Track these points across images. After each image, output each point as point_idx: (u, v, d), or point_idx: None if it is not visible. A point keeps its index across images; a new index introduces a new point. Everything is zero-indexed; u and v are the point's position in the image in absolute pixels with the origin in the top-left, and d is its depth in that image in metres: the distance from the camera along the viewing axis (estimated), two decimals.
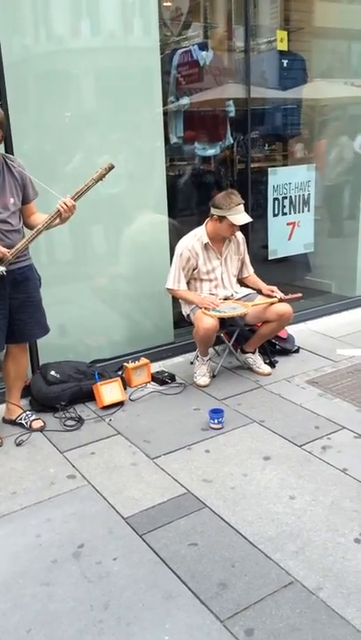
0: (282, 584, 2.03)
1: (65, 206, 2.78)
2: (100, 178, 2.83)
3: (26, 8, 3.30)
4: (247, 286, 3.85)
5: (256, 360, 3.84)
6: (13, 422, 3.21)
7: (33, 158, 3.34)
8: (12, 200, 2.80)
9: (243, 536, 2.28)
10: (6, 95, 3.18)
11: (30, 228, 2.92)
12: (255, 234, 4.46)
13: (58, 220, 2.85)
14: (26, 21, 3.33)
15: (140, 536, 2.30)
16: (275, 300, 3.61)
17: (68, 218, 2.85)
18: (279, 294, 3.63)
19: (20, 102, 3.26)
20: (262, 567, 2.12)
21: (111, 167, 2.82)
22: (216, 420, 3.08)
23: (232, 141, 4.59)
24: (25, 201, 2.90)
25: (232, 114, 4.50)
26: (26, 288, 2.95)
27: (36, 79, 3.44)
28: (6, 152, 3.21)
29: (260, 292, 3.74)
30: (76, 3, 3.47)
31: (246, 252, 3.85)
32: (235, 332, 3.83)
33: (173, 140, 4.37)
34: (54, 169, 3.49)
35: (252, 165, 4.52)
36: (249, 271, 3.87)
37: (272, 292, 3.67)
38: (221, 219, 3.52)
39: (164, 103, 3.95)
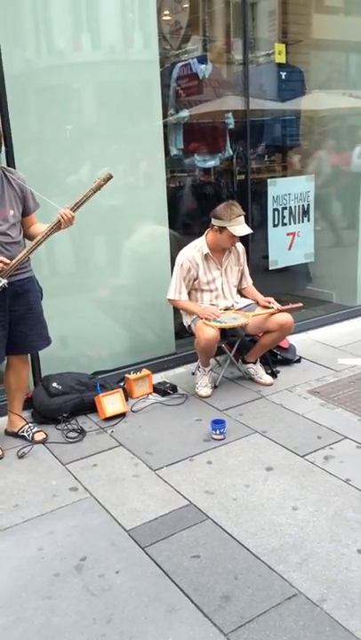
0: (285, 596, 2.02)
1: (65, 217, 2.80)
2: (98, 188, 2.85)
3: (27, 22, 3.34)
4: (246, 297, 3.86)
5: (258, 370, 3.84)
6: (15, 434, 3.21)
7: (35, 171, 3.38)
8: (11, 212, 2.82)
9: (246, 548, 2.27)
10: (7, 108, 3.21)
11: (30, 238, 2.94)
12: (255, 244, 4.48)
13: (57, 230, 2.87)
14: (27, 35, 3.36)
15: (143, 548, 2.30)
16: (275, 310, 3.62)
17: (68, 227, 2.87)
18: (276, 305, 3.64)
19: (22, 115, 3.29)
20: (266, 579, 2.11)
21: (109, 177, 2.84)
22: (218, 431, 3.08)
23: (232, 153, 4.62)
24: (25, 213, 2.92)
25: (231, 126, 4.54)
26: (26, 300, 2.96)
27: (38, 92, 3.47)
28: (8, 165, 3.25)
29: (257, 303, 3.75)
30: (77, 17, 3.51)
31: (246, 263, 3.86)
32: (236, 343, 3.83)
33: (173, 151, 4.40)
34: (56, 181, 3.52)
35: (252, 176, 4.54)
36: (248, 282, 3.88)
37: (269, 303, 3.68)
38: (222, 229, 3.54)
39: (164, 115, 3.98)
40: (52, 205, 2.84)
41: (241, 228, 3.53)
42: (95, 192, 2.85)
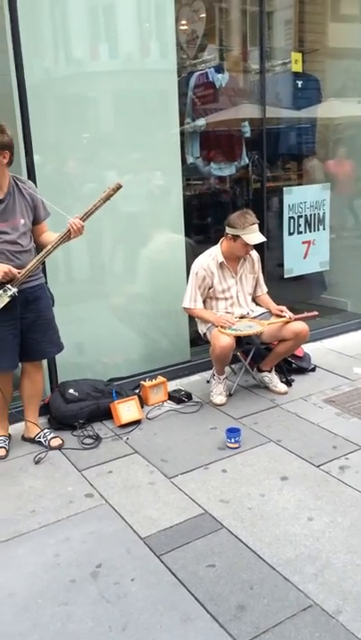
0: (301, 607, 2.02)
1: (74, 227, 2.83)
2: (108, 198, 2.88)
3: (46, 32, 3.39)
4: (260, 306, 3.86)
5: (272, 379, 3.84)
6: (32, 440, 3.24)
7: (54, 178, 3.43)
8: (22, 221, 2.86)
9: (261, 558, 2.27)
10: (29, 117, 3.25)
11: (41, 246, 2.97)
12: (271, 252, 4.49)
13: (68, 240, 2.91)
14: (46, 44, 3.41)
15: (158, 556, 2.31)
16: (290, 318, 3.62)
17: (77, 237, 2.90)
18: (288, 314, 3.64)
19: (42, 124, 3.34)
20: (281, 590, 2.11)
21: (119, 187, 2.87)
22: (233, 440, 3.08)
23: (247, 161, 4.63)
24: (36, 221, 2.96)
25: (248, 134, 4.55)
26: (37, 307, 2.99)
27: (57, 101, 3.51)
28: (28, 173, 3.30)
29: (270, 311, 3.75)
30: (96, 27, 3.56)
31: (261, 271, 3.87)
32: (251, 351, 3.84)
33: (190, 160, 4.42)
34: (74, 188, 3.56)
35: (268, 185, 4.56)
36: (262, 290, 3.88)
37: (281, 312, 3.68)
38: (235, 238, 3.55)
39: (181, 124, 4.01)
40: (61, 213, 2.88)
41: (255, 237, 3.54)
42: (105, 202, 2.88)
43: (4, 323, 2.87)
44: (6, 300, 2.78)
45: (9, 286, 2.78)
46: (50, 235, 3.00)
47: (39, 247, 2.99)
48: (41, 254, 2.88)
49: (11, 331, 2.92)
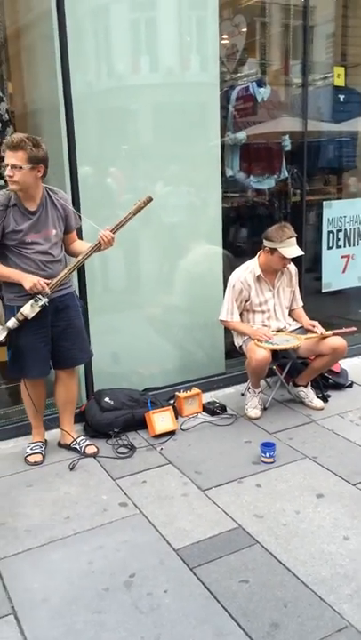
0: (336, 628, 1.99)
1: (105, 238, 2.88)
2: (139, 210, 2.92)
3: (90, 45, 3.46)
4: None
5: (308, 394, 3.80)
6: (68, 447, 3.28)
7: (96, 189, 3.49)
8: (53, 231, 2.92)
9: (295, 576, 2.25)
10: (74, 130, 3.33)
11: (71, 255, 3.04)
12: (309, 266, 4.46)
13: (98, 251, 2.96)
14: (91, 58, 3.47)
15: (191, 569, 2.30)
16: (329, 333, 3.59)
17: (108, 248, 2.95)
18: (320, 330, 3.60)
19: (85, 136, 3.40)
20: (316, 609, 2.08)
21: (149, 200, 2.91)
22: (268, 454, 3.06)
23: (287, 174, 4.63)
24: (67, 230, 3.02)
25: (288, 147, 4.55)
26: (67, 315, 3.04)
27: (100, 114, 3.58)
28: (72, 183, 3.36)
29: (303, 326, 3.73)
30: (138, 41, 3.61)
31: (297, 284, 3.84)
32: (287, 365, 3.81)
33: (229, 172, 4.44)
34: (115, 199, 3.62)
35: (307, 198, 4.54)
36: (297, 304, 3.85)
37: (313, 327, 3.65)
38: (273, 251, 3.55)
39: (221, 137, 4.04)
40: (96, 226, 2.93)
41: (292, 250, 3.52)
42: (135, 214, 2.92)
43: (35, 331, 2.93)
44: (37, 309, 2.84)
45: (40, 296, 2.83)
46: (80, 244, 3.07)
47: (70, 256, 3.05)
48: (71, 265, 2.93)
49: (41, 339, 2.97)
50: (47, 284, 2.85)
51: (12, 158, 2.73)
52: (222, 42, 4.76)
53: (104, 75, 3.61)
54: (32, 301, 2.83)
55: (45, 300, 2.84)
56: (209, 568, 2.30)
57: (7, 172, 2.75)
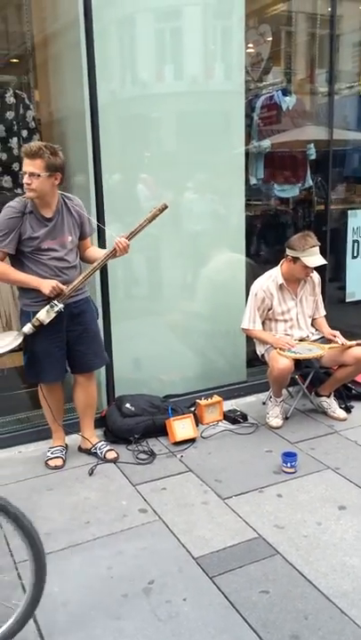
0: None
1: (120, 245, 2.88)
2: (154, 218, 2.92)
3: (117, 54, 3.49)
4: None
5: (331, 404, 3.75)
6: (88, 452, 3.29)
7: (120, 196, 3.51)
8: (69, 238, 2.95)
9: (316, 588, 2.21)
10: (99, 137, 3.36)
11: (86, 261, 3.06)
12: (333, 275, 4.42)
13: (113, 258, 2.97)
14: (117, 67, 3.50)
15: (211, 578, 2.28)
16: (353, 343, 3.55)
17: (123, 255, 2.95)
18: (341, 340, 3.56)
19: (110, 143, 3.43)
20: (337, 623, 2.04)
21: (164, 208, 2.92)
22: (289, 464, 3.03)
23: (311, 183, 4.61)
24: (82, 237, 3.04)
25: (313, 156, 4.53)
26: (82, 320, 3.05)
27: (125, 122, 3.61)
28: (96, 190, 3.39)
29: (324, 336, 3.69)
30: (164, 50, 3.65)
31: (320, 293, 3.81)
32: (310, 374, 3.77)
33: (253, 181, 4.44)
34: (139, 205, 3.64)
35: (332, 207, 4.51)
36: (320, 313, 3.81)
37: (334, 337, 3.61)
38: (295, 260, 3.52)
39: (246, 145, 4.04)
40: (111, 232, 2.96)
41: (314, 259, 3.50)
42: (150, 222, 2.92)
43: (50, 336, 2.95)
44: (53, 315, 2.85)
45: (55, 302, 2.85)
46: (95, 250, 3.09)
47: (85, 262, 3.07)
48: (88, 271, 2.94)
49: (56, 344, 2.99)
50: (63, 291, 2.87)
51: (29, 166, 2.75)
52: (247, 50, 4.78)
53: (130, 83, 3.64)
54: (48, 307, 2.85)
55: (61, 305, 2.85)
56: (229, 577, 2.28)
57: (25, 179, 2.78)
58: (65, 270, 2.93)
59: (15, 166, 3.53)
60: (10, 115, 3.46)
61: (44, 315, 2.85)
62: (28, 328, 2.87)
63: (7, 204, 2.85)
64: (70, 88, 3.56)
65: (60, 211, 2.93)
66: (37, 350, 2.96)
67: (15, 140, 3.49)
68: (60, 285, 2.85)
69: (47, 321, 2.86)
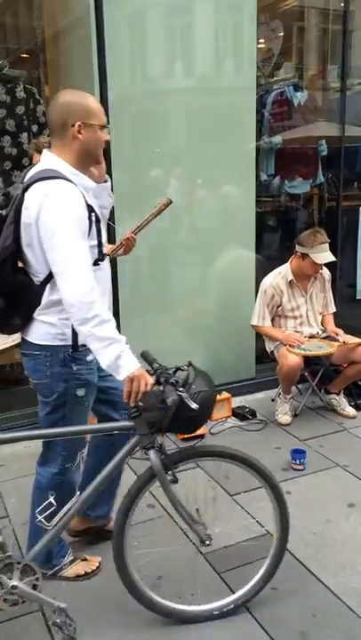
0: None
1: (129, 241, 2.84)
2: (159, 213, 2.89)
3: (126, 50, 3.48)
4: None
5: (341, 402, 3.73)
6: None
7: (130, 192, 3.50)
8: None
9: (325, 585, 2.20)
10: (110, 133, 3.34)
11: None
12: (344, 272, 4.39)
13: (121, 251, 2.92)
14: (126, 62, 3.49)
15: (219, 574, 2.27)
16: (347, 342, 3.52)
17: (131, 250, 2.92)
18: (343, 338, 3.54)
19: (121, 139, 3.42)
20: (346, 620, 2.03)
21: (169, 203, 2.88)
22: (298, 461, 3.01)
23: (323, 179, 4.58)
24: None
25: (324, 152, 4.50)
26: None
27: (136, 118, 3.60)
28: None
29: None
30: (174, 45, 3.63)
31: (331, 290, 3.79)
32: (319, 372, 3.75)
33: (264, 177, 4.42)
34: (150, 202, 3.61)
35: (343, 204, 4.48)
36: (328, 310, 3.79)
37: (336, 334, 3.59)
38: (304, 256, 3.50)
39: (256, 141, 4.02)
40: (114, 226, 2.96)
41: (323, 256, 3.47)
42: (155, 217, 2.89)
43: None
44: None
45: None
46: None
47: None
48: None
49: None
50: None
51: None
52: (259, 46, 4.75)
53: (140, 78, 3.63)
54: None
55: None
56: (237, 573, 2.27)
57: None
58: None
59: (25, 161, 3.52)
60: (20, 109, 3.46)
61: None
62: None
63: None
64: (80, 83, 3.55)
65: None
66: None
67: (25, 135, 3.49)
68: None
69: None
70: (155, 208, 2.91)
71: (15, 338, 2.81)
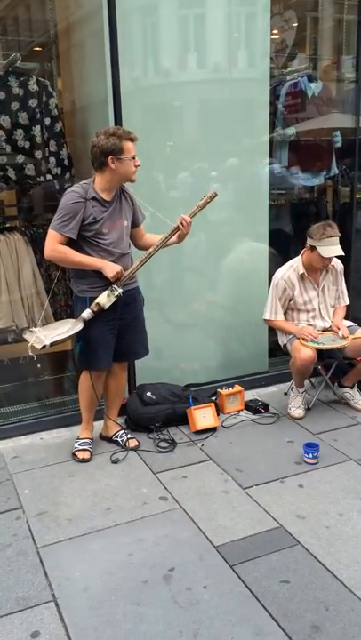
0: None
1: (185, 222, 2.89)
2: (205, 205, 2.94)
3: (138, 42, 3.45)
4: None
5: (354, 395, 3.71)
6: (109, 439, 3.30)
7: (143, 185, 3.48)
8: (125, 223, 2.93)
9: (338, 579, 2.19)
10: (122, 125, 3.33)
11: (144, 248, 3.03)
12: (358, 265, 4.35)
13: (175, 238, 2.95)
14: (138, 55, 3.46)
15: (231, 567, 2.28)
16: (346, 336, 3.49)
17: (185, 235, 2.95)
18: (342, 332, 3.52)
19: (133, 131, 3.41)
20: (358, 614, 2.02)
21: (214, 196, 2.93)
22: (311, 455, 3.00)
23: (337, 171, 4.53)
24: (135, 224, 3.02)
25: (338, 144, 4.46)
26: (134, 309, 3.05)
27: (148, 110, 3.58)
28: None
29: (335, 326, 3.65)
30: (186, 37, 3.60)
31: (343, 283, 3.75)
32: (332, 365, 3.73)
33: (277, 169, 4.38)
34: (162, 195, 3.62)
35: (358, 196, 4.43)
36: (340, 302, 3.74)
37: (338, 328, 3.57)
38: (313, 249, 3.47)
39: (270, 133, 3.99)
40: (163, 217, 2.95)
41: (330, 250, 3.41)
42: (201, 209, 2.94)
43: (106, 322, 2.93)
44: (113, 299, 2.85)
45: (115, 286, 2.84)
46: (151, 236, 3.06)
47: (143, 249, 3.05)
48: (149, 252, 2.93)
49: (111, 331, 2.98)
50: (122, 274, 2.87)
51: (134, 150, 2.83)
52: (272, 37, 4.70)
53: (153, 71, 3.61)
54: (108, 291, 2.84)
55: (121, 290, 2.85)
56: (249, 567, 2.27)
57: (137, 162, 2.82)
58: (121, 257, 2.92)
59: (38, 154, 3.53)
60: (33, 102, 3.45)
61: (105, 299, 2.84)
62: (87, 313, 2.85)
63: (70, 190, 2.85)
64: (93, 76, 3.55)
65: (119, 195, 2.92)
66: (94, 338, 2.94)
67: (38, 127, 3.49)
68: (120, 268, 2.84)
69: (107, 305, 2.85)
70: (200, 200, 2.95)
71: (65, 331, 2.83)
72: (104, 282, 2.86)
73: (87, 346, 2.97)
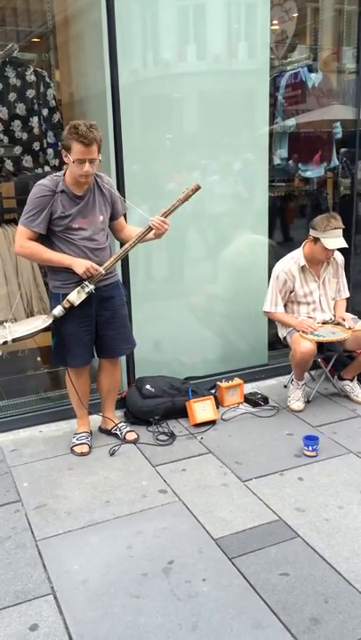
0: None
1: (155, 222, 2.83)
2: (187, 198, 2.87)
3: (137, 34, 3.42)
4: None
5: (354, 388, 3.70)
6: (109, 432, 3.30)
7: (141, 178, 3.47)
8: (100, 217, 2.87)
9: (337, 572, 2.19)
10: (120, 118, 3.32)
11: (124, 241, 2.98)
12: (359, 257, 4.34)
13: (152, 235, 2.90)
14: (137, 46, 3.43)
15: (230, 559, 2.27)
16: (352, 327, 3.48)
17: (163, 233, 2.90)
18: (348, 324, 3.51)
19: (131, 124, 3.39)
20: (358, 607, 2.02)
21: (197, 188, 2.87)
22: (311, 448, 3.00)
23: (337, 163, 4.51)
24: (114, 217, 2.97)
25: (339, 135, 4.43)
26: (111, 305, 3.00)
27: (147, 102, 3.55)
28: (117, 171, 3.35)
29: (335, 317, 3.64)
30: (185, 28, 3.57)
31: (344, 275, 3.73)
32: (332, 358, 3.72)
33: (277, 161, 4.35)
34: (161, 187, 3.59)
35: (359, 188, 4.41)
36: (340, 295, 3.72)
37: (343, 320, 3.55)
38: (316, 240, 3.45)
39: (270, 124, 3.96)
40: (142, 212, 2.92)
41: (334, 241, 3.40)
42: (183, 202, 2.87)
43: (79, 320, 2.90)
44: (84, 296, 2.80)
45: (87, 283, 2.80)
46: (131, 230, 3.00)
47: (122, 242, 3.01)
48: (120, 252, 2.89)
49: (85, 328, 2.95)
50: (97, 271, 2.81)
51: (89, 154, 2.62)
52: (272, 27, 4.66)
53: (151, 62, 3.58)
54: (79, 288, 2.81)
55: (92, 287, 2.80)
56: (248, 559, 2.27)
57: (85, 168, 2.63)
58: (96, 251, 2.87)
59: (36, 146, 3.50)
60: (30, 93, 3.43)
61: (75, 296, 2.80)
62: (58, 310, 2.83)
63: (38, 182, 2.77)
64: (91, 68, 3.52)
65: (92, 189, 2.84)
66: (66, 334, 2.92)
67: (36, 118, 3.46)
68: (95, 266, 2.79)
69: (77, 302, 2.81)
70: (182, 193, 2.88)
71: (34, 326, 2.81)
72: (76, 278, 2.81)
73: (61, 343, 2.95)
